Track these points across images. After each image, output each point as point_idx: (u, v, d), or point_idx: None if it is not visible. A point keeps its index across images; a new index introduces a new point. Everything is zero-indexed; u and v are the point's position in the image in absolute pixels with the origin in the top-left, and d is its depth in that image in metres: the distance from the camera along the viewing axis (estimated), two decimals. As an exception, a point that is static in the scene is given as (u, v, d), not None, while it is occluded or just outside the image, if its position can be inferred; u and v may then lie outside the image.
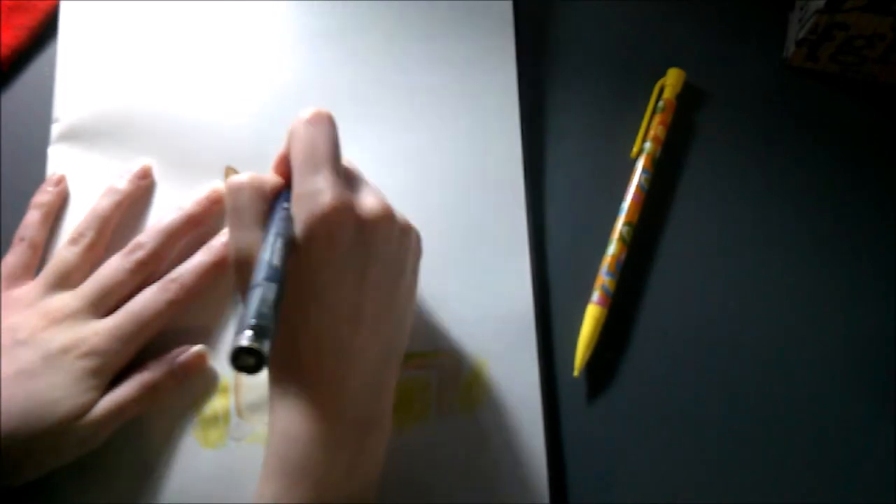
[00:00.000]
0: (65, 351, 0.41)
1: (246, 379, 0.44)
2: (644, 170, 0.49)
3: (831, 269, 0.49)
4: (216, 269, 0.44)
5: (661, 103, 0.51)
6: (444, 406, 0.44)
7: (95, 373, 0.41)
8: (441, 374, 0.45)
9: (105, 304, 0.43)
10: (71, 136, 0.48)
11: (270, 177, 0.39)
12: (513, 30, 0.52)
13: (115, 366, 0.42)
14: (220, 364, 0.44)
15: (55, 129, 0.48)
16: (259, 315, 0.31)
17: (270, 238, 0.35)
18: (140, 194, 0.47)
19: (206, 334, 0.44)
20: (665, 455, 0.45)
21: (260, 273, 0.33)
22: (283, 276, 0.33)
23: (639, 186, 0.49)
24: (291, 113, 0.48)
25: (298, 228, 0.35)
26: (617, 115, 0.51)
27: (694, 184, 0.50)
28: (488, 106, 0.50)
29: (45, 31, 0.52)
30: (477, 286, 0.46)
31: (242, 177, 0.38)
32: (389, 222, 0.37)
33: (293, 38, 0.51)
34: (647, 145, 0.50)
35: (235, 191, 0.38)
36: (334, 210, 0.35)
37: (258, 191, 0.38)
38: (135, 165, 0.47)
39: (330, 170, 0.36)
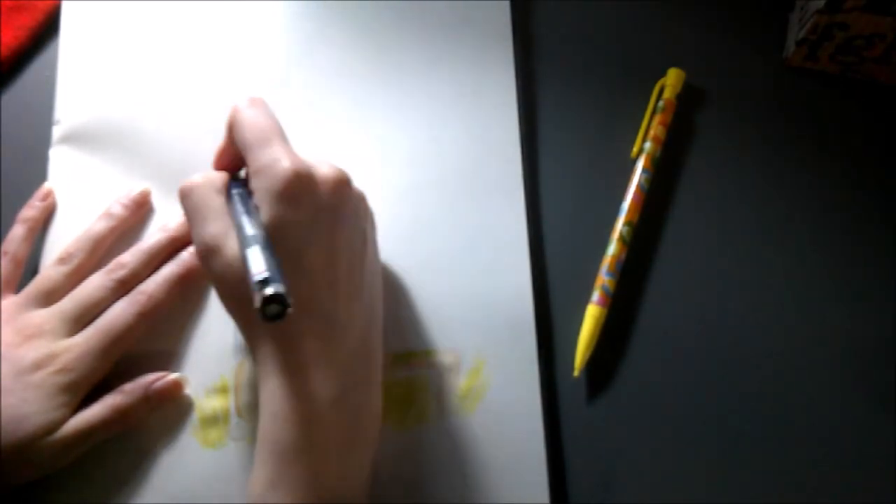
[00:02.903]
0: (37, 367, 0.41)
1: (246, 378, 0.44)
2: (644, 170, 0.49)
3: (831, 269, 0.49)
4: (184, 279, 0.45)
5: (661, 103, 0.51)
6: (444, 406, 0.44)
7: (67, 389, 0.41)
8: (440, 373, 0.45)
9: (83, 322, 0.43)
10: (72, 138, 0.48)
11: (217, 172, 0.40)
12: (510, 30, 0.52)
13: (88, 382, 0.42)
14: (221, 364, 0.44)
15: (56, 132, 0.48)
16: (258, 272, 0.33)
17: (238, 217, 0.36)
18: (136, 220, 0.47)
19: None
20: (665, 455, 0.45)
21: (244, 245, 0.34)
22: (265, 238, 0.35)
23: (639, 186, 0.49)
24: (291, 114, 0.49)
25: (263, 201, 0.36)
26: (617, 115, 0.51)
27: (694, 184, 0.50)
28: (487, 106, 0.50)
29: (45, 32, 0.52)
30: (476, 286, 0.46)
31: (193, 178, 0.39)
32: (348, 185, 0.38)
33: (293, 40, 0.51)
34: (647, 145, 0.50)
35: (189, 191, 0.39)
36: (295, 174, 0.36)
37: (211, 185, 0.39)
38: (134, 190, 0.47)
39: (280, 141, 0.37)
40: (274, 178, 0.36)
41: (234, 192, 0.38)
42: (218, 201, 0.38)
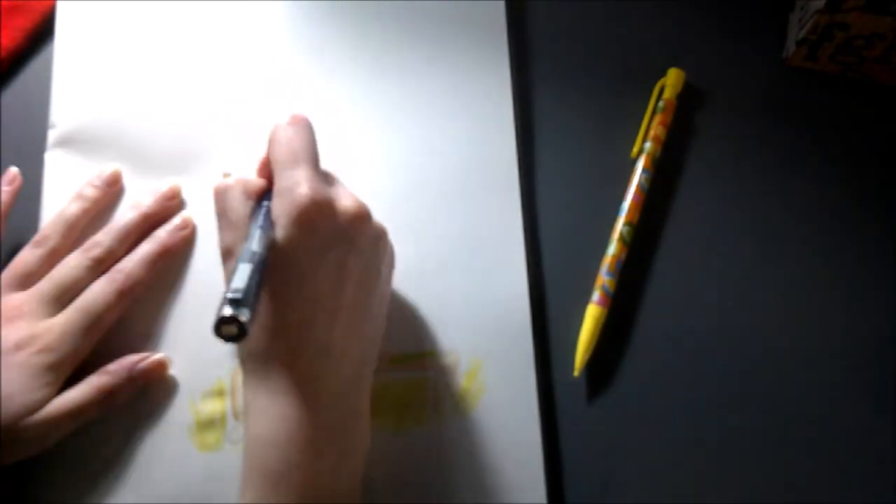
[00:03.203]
0: (18, 348, 0.41)
1: (242, 382, 0.44)
2: (644, 170, 0.49)
3: (831, 269, 0.49)
4: (161, 257, 0.45)
5: (661, 103, 0.51)
6: (441, 407, 0.44)
7: (50, 369, 0.41)
8: (438, 375, 0.45)
9: (62, 302, 0.43)
10: (68, 141, 0.48)
11: (255, 178, 0.40)
12: (505, 29, 0.51)
13: (71, 361, 0.42)
14: (217, 368, 0.44)
15: (52, 135, 0.48)
16: (234, 289, 0.33)
17: (252, 230, 0.36)
18: (109, 200, 0.47)
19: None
20: (665, 455, 0.45)
21: (241, 258, 0.35)
22: (262, 260, 0.35)
23: (639, 186, 0.49)
24: (285, 115, 0.49)
25: (279, 222, 0.36)
26: (617, 115, 0.51)
27: (694, 184, 0.50)
28: (483, 106, 0.50)
29: (41, 33, 0.52)
30: (473, 287, 0.46)
31: (229, 179, 0.39)
32: (366, 220, 0.38)
33: (289, 42, 0.51)
34: (647, 145, 0.49)
35: (222, 192, 0.39)
36: (313, 202, 0.36)
37: (244, 191, 0.39)
38: (105, 171, 0.47)
39: (308, 166, 0.37)
40: (292, 203, 0.36)
41: (264, 203, 0.38)
42: (244, 208, 0.38)
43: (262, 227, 0.36)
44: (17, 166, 0.47)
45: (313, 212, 0.36)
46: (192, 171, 0.48)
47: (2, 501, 0.42)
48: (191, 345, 0.44)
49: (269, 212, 0.37)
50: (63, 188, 0.47)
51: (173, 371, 0.44)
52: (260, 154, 0.41)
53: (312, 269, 0.36)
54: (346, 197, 0.38)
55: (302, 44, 0.51)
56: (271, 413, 0.36)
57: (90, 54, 0.50)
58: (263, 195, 0.39)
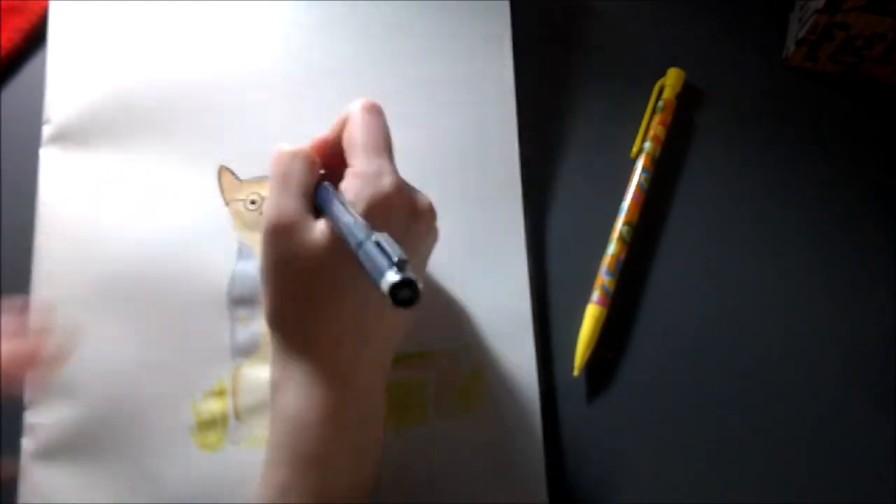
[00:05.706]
0: None
1: (243, 382, 0.44)
2: (644, 170, 0.49)
3: (831, 269, 0.49)
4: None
5: (660, 103, 0.51)
6: (443, 406, 0.44)
7: None
8: (439, 374, 0.45)
9: None
10: (62, 137, 0.48)
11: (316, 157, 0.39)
12: (510, 29, 0.51)
13: None
14: (218, 368, 0.44)
15: (46, 131, 0.48)
16: (395, 252, 0.31)
17: (339, 206, 0.35)
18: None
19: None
20: (665, 455, 0.45)
21: (358, 232, 0.32)
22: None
23: (639, 186, 0.49)
24: (286, 112, 0.48)
25: (358, 206, 0.35)
26: (617, 115, 0.51)
27: (694, 184, 0.50)
28: (485, 106, 0.50)
29: (39, 33, 0.51)
30: (474, 285, 0.46)
31: (293, 147, 0.38)
32: (433, 219, 0.38)
33: (288, 36, 0.51)
34: (647, 145, 0.50)
35: (288, 157, 0.37)
36: (397, 192, 0.36)
37: (311, 164, 0.38)
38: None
39: (390, 157, 0.37)
40: (375, 188, 0.35)
41: (326, 183, 0.37)
42: (307, 180, 0.37)
43: (344, 203, 0.35)
44: (16, 166, 0.47)
45: (395, 204, 0.36)
46: (185, 167, 0.48)
47: (1, 501, 0.41)
48: (192, 345, 0.44)
49: (338, 192, 0.36)
50: (59, 184, 0.46)
51: (174, 371, 0.44)
52: (320, 134, 0.40)
53: None
54: (420, 193, 0.38)
55: (301, 42, 0.51)
56: (305, 397, 0.36)
57: (84, 48, 0.49)
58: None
